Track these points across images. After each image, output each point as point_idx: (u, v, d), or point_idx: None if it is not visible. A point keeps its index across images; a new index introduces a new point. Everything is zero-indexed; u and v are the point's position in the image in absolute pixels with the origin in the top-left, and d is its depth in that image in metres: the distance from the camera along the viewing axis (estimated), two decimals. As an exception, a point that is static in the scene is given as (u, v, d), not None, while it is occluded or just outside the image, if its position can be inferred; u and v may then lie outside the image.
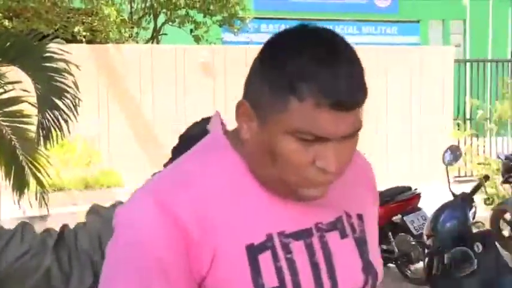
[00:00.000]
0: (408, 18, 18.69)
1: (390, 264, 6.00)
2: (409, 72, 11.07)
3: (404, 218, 6.01)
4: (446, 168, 5.62)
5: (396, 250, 6.00)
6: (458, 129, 10.99)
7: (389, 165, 10.35)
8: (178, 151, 1.41)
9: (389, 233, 6.02)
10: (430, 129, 11.02)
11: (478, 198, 6.55)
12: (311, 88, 1.06)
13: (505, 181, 6.97)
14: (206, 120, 1.35)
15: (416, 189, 6.31)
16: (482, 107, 11.96)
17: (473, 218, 5.62)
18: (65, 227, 1.68)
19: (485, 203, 7.51)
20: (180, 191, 1.11)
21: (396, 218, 6.07)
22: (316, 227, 1.17)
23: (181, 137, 1.50)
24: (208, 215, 1.10)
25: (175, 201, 1.10)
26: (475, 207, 5.74)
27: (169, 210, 1.09)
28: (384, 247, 5.97)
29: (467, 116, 12.09)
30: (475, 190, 5.60)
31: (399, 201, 6.09)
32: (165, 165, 1.48)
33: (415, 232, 5.90)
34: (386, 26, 19.01)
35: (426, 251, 5.06)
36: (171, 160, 1.42)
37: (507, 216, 6.81)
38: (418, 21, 18.97)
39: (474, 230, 5.45)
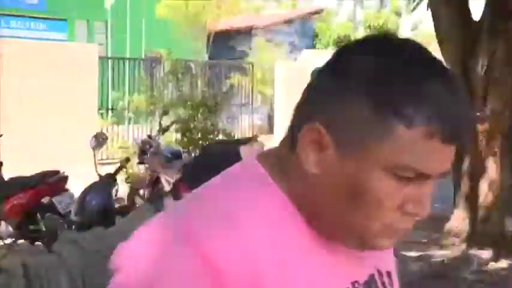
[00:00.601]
0: (56, 16, 18.22)
1: (38, 242, 5.87)
2: (56, 67, 10.82)
3: (53, 199, 5.92)
4: (94, 152, 5.81)
5: (44, 229, 5.87)
6: (102, 118, 11.14)
7: (40, 151, 10.02)
8: (198, 168, 1.13)
9: (38, 214, 5.88)
10: (75, 120, 10.94)
11: (121, 177, 6.77)
12: (425, 112, 0.77)
13: (140, 162, 7.29)
14: (234, 143, 1.05)
15: (64, 172, 6.25)
16: (122, 99, 12.28)
17: (116, 195, 5.87)
18: (25, 266, 1.12)
19: (126, 182, 7.78)
20: (228, 238, 0.78)
21: (45, 200, 5.94)
22: (353, 286, 0.90)
23: (203, 156, 1.17)
24: (258, 269, 0.78)
25: (224, 252, 0.77)
26: (118, 186, 5.98)
27: (216, 265, 0.76)
28: (32, 227, 5.83)
29: (110, 107, 12.36)
30: (118, 171, 5.86)
31: (47, 184, 5.97)
32: (178, 182, 1.18)
33: (62, 211, 5.84)
34: (35, 21, 18.26)
35: (73, 227, 5.11)
36: (188, 177, 1.12)
37: (141, 191, 7.15)
38: (65, 20, 18.61)
39: (117, 205, 5.69)
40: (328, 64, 0.84)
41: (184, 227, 0.79)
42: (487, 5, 4.86)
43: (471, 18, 5.00)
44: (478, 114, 4.77)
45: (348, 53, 0.83)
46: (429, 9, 5.35)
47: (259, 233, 0.80)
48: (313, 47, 22.68)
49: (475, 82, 4.80)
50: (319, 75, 0.85)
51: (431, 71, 0.79)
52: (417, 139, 0.77)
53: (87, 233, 1.19)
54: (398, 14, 26.04)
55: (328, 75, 0.83)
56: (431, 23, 5.28)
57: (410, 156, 0.78)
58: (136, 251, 0.79)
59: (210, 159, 1.09)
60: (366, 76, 0.79)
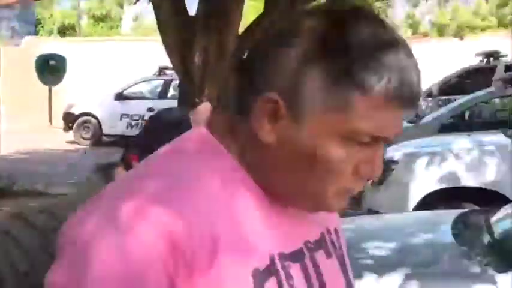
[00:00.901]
0: None
1: None
2: None
3: None
4: None
5: None
6: None
7: None
8: (148, 136, 1.06)
9: None
10: None
11: None
12: (383, 80, 0.73)
13: None
14: (182, 108, 0.93)
15: None
16: None
17: None
18: None
19: None
20: (188, 215, 0.73)
21: None
22: (305, 246, 0.85)
23: (153, 124, 1.09)
24: (215, 238, 0.74)
25: (185, 229, 0.72)
26: None
27: (179, 242, 0.71)
28: None
29: None
30: None
31: None
32: (128, 151, 1.08)
33: None
34: None
35: None
36: (139, 146, 1.05)
37: None
38: None
39: None
40: (280, 32, 0.79)
41: (143, 203, 0.73)
42: (200, 2, 5.11)
43: (187, 13, 5.22)
44: (197, 100, 4.99)
45: (300, 22, 0.78)
46: (150, 2, 5.43)
47: (216, 203, 0.76)
48: (36, 33, 21.42)
49: (193, 72, 5.02)
50: (267, 41, 0.80)
51: (385, 38, 0.76)
52: (375, 106, 0.74)
53: (33, 206, 1.10)
54: (120, 5, 25.92)
55: (280, 44, 0.77)
56: (153, 15, 5.36)
57: (369, 123, 0.75)
58: (89, 229, 0.72)
59: (160, 127, 0.99)
60: (321, 46, 0.74)
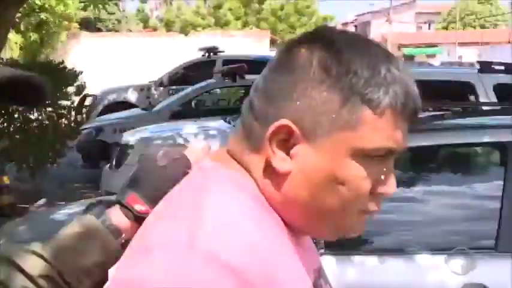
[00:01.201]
0: None
1: None
2: None
3: None
4: None
5: None
6: None
7: None
8: (148, 176, 0.95)
9: None
10: None
11: None
12: (389, 95, 0.75)
13: None
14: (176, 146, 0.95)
15: None
16: None
17: None
18: None
19: None
20: (243, 248, 0.70)
21: None
22: (316, 274, 0.84)
23: (148, 163, 0.95)
24: (267, 270, 0.71)
25: (246, 262, 0.69)
26: None
27: (245, 277, 0.68)
28: None
29: None
30: None
31: None
32: (122, 197, 0.95)
33: None
34: None
35: None
36: (137, 186, 0.95)
37: None
38: None
39: None
40: (280, 60, 0.78)
41: (200, 244, 0.69)
42: None
43: None
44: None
45: (298, 48, 0.77)
46: None
47: (255, 234, 0.72)
48: None
49: None
50: (271, 72, 0.78)
51: (380, 53, 0.76)
52: (384, 120, 0.74)
53: (23, 251, 0.82)
54: None
55: (284, 71, 0.76)
56: None
57: (381, 137, 0.75)
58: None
59: (157, 166, 0.80)
60: (323, 71, 0.74)
